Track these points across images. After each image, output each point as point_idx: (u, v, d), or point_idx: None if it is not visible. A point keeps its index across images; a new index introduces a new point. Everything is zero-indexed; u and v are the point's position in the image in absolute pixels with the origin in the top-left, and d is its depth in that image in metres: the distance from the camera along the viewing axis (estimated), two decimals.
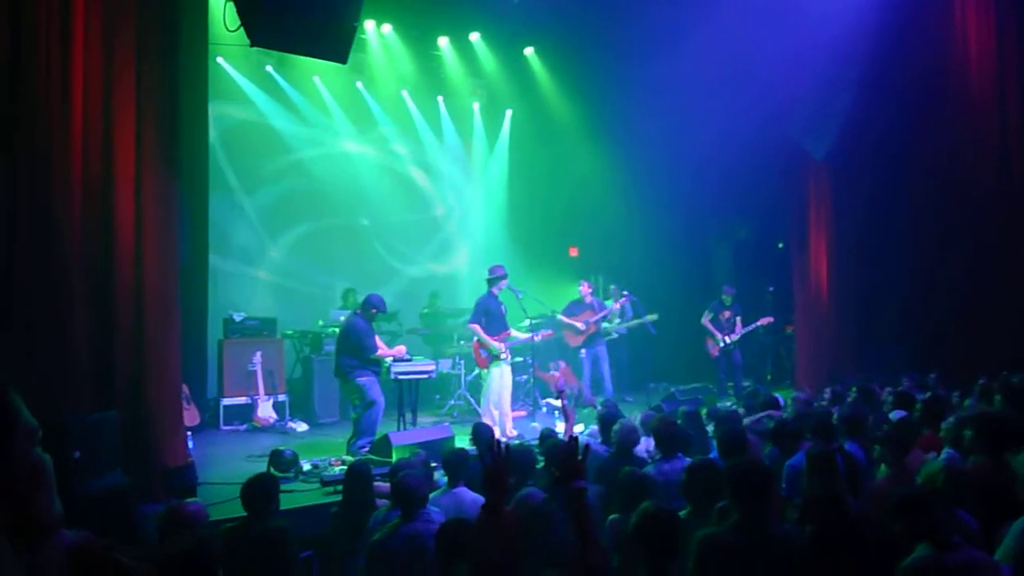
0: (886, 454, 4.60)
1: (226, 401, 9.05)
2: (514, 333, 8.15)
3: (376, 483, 5.30)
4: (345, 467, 6.29)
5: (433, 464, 5.25)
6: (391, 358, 7.52)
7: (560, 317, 10.05)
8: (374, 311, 7.35)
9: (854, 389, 7.01)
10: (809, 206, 10.49)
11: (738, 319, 10.35)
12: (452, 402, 9.76)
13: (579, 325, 10.05)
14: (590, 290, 10.37)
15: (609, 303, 10.31)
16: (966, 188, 9.61)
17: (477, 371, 9.39)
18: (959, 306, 9.42)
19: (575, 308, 10.27)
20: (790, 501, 4.07)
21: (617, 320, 10.62)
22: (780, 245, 12.20)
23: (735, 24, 9.66)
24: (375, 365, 7.32)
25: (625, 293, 10.44)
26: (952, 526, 2.95)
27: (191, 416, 7.88)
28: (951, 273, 9.61)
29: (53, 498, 1.82)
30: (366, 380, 7.14)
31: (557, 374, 9.77)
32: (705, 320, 10.43)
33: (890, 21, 9.27)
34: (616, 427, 5.26)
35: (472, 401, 9.43)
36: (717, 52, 10.18)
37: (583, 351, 10.10)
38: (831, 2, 9.15)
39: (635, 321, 10.33)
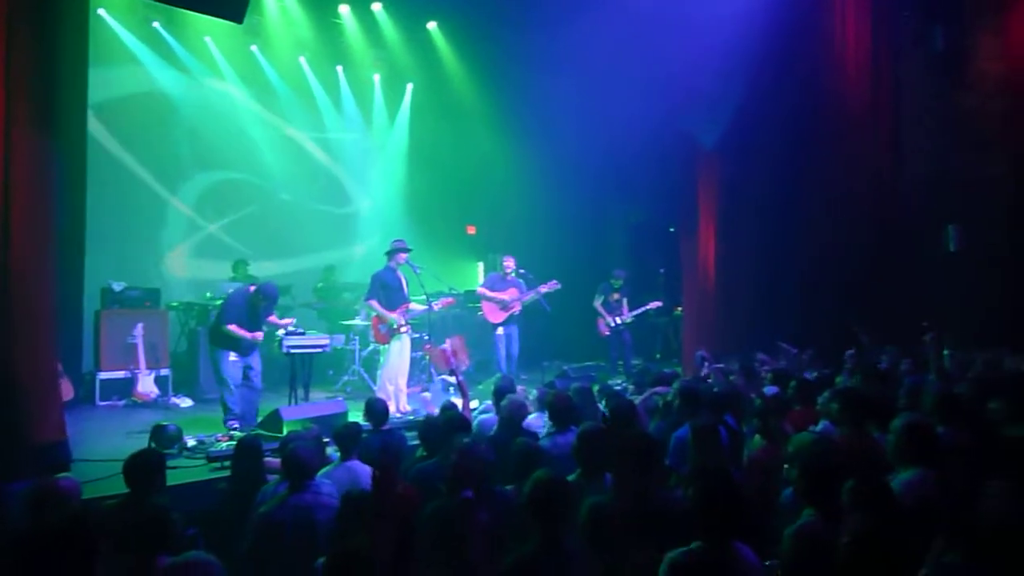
0: (760, 426, 4.89)
1: (103, 375, 8.61)
2: (413, 306, 8.10)
3: (266, 459, 5.20)
4: (232, 443, 6.14)
5: (326, 440, 5.19)
6: (282, 331, 7.36)
7: (481, 290, 9.76)
8: (262, 298, 7.17)
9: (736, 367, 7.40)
10: (698, 193, 10.89)
11: (624, 300, 10.66)
12: (346, 378, 9.62)
13: (504, 298, 9.54)
14: (514, 266, 9.75)
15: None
16: (845, 182, 10.27)
17: (372, 347, 9.30)
18: (837, 290, 10.09)
19: (497, 283, 9.72)
20: (675, 471, 4.26)
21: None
22: (672, 229, 12.62)
23: (636, 13, 9.89)
24: (238, 340, 7.13)
25: (521, 271, 10.50)
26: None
27: (64, 390, 7.42)
28: (830, 260, 10.27)
29: None
30: (220, 353, 7.07)
31: (448, 349, 9.48)
32: (596, 303, 10.68)
33: (779, 23, 9.74)
34: (504, 402, 5.35)
35: (367, 377, 9.32)
36: (621, 39, 10.39)
37: (501, 329, 9.58)
38: (728, 3, 9.50)
39: (531, 296, 10.04)
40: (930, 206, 10.30)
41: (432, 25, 12.03)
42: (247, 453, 4.64)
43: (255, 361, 7.26)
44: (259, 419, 6.83)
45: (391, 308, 7.85)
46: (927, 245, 10.24)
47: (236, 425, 6.84)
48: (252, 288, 7.29)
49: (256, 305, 7.16)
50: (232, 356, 7.10)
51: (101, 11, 9.49)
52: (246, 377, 7.19)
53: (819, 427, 4.93)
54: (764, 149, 10.44)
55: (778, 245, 10.61)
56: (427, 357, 9.43)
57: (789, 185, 10.53)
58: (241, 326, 7.06)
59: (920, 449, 3.54)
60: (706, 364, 7.66)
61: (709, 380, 7.09)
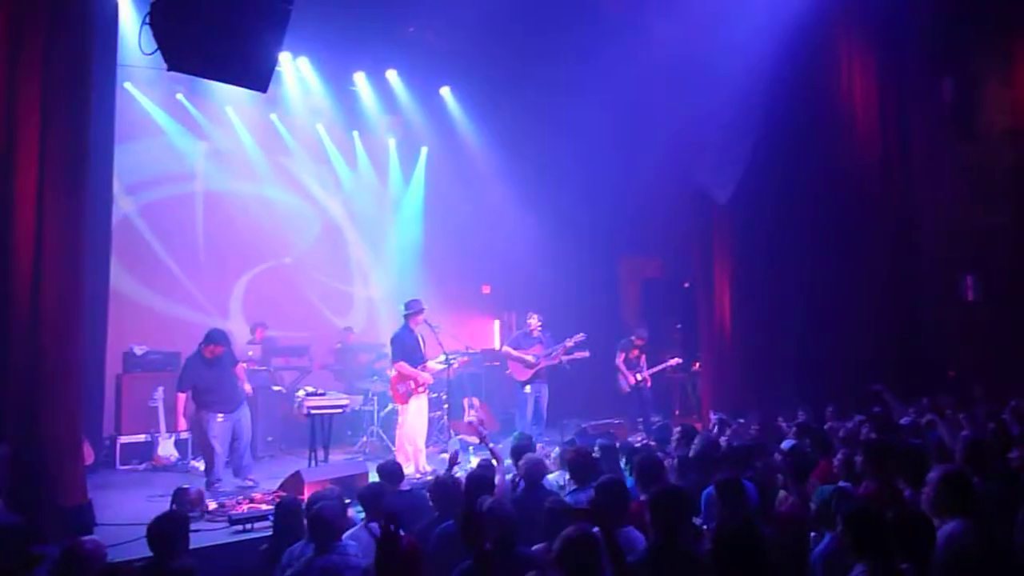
0: (786, 481, 4.82)
1: (123, 439, 8.62)
2: (431, 365, 8.12)
3: None
4: (254, 506, 6.12)
5: (347, 500, 5.16)
6: (302, 392, 7.41)
7: (507, 349, 9.73)
8: (212, 347, 7.32)
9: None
10: (713, 247, 10.95)
11: (643, 356, 10.65)
12: (364, 438, 9.58)
13: (529, 358, 9.49)
14: (540, 324, 9.70)
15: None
16: (859, 235, 10.30)
17: (390, 407, 9.28)
18: (857, 343, 10.02)
19: (524, 341, 9.65)
20: (703, 530, 4.20)
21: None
22: (686, 285, 12.66)
23: (648, 73, 10.14)
24: (220, 401, 7.30)
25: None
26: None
27: (85, 454, 7.44)
28: (847, 313, 10.23)
29: None
30: (203, 414, 7.23)
31: (475, 421, 9.37)
32: (618, 360, 10.67)
33: (785, 76, 9.92)
34: (521, 461, 5.31)
35: (385, 438, 9.28)
36: (630, 97, 10.63)
37: (528, 387, 9.48)
38: (734, 58, 9.72)
39: (574, 353, 9.67)
40: (944, 257, 10.32)
41: (445, 90, 12.34)
42: (287, 513, 4.61)
43: (244, 417, 7.43)
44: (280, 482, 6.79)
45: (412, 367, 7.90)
46: (944, 295, 10.22)
47: (220, 487, 7.04)
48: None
49: (214, 354, 7.29)
50: (219, 417, 7.22)
51: (127, 84, 9.81)
52: (235, 437, 7.32)
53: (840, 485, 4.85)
54: (777, 204, 10.51)
55: (794, 299, 10.59)
56: (445, 418, 9.41)
57: (803, 239, 10.56)
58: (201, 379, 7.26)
59: (957, 499, 3.49)
60: (723, 426, 7.56)
61: (721, 441, 7.01)
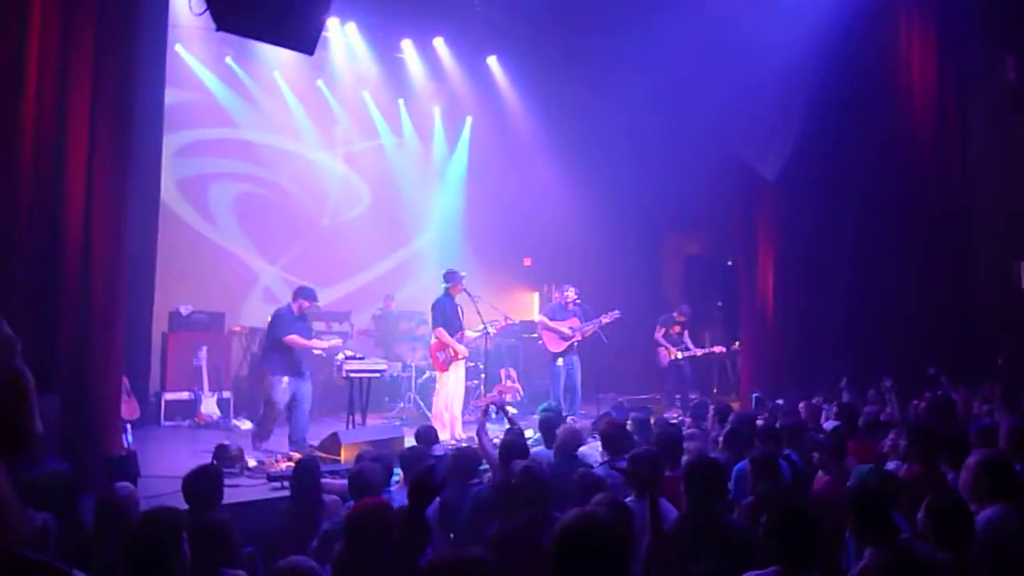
0: (823, 460, 4.75)
1: (168, 396, 8.85)
2: (468, 334, 8.16)
3: (324, 480, 5.26)
4: (290, 463, 6.24)
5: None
6: (342, 356, 7.48)
7: (542, 319, 9.61)
8: (302, 300, 7.30)
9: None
10: (758, 225, 10.76)
11: (686, 333, 10.55)
12: (401, 404, 9.69)
13: (565, 330, 9.34)
14: (576, 296, 9.51)
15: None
16: (909, 218, 10.00)
17: (427, 375, 9.36)
18: (900, 326, 9.80)
19: (559, 312, 9.47)
20: (737, 503, 4.17)
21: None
22: (729, 263, 12.48)
23: (696, 44, 9.89)
24: (293, 365, 7.21)
25: (579, 302, 10.44)
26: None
27: (130, 409, 7.66)
28: (893, 296, 9.98)
29: (35, 411, 1.78)
30: (274, 379, 7.11)
31: (495, 394, 9.21)
32: (658, 335, 10.57)
33: (839, 49, 9.62)
34: (559, 430, 5.32)
35: (422, 404, 9.37)
36: (678, 70, 10.41)
37: (560, 360, 9.33)
38: (785, 29, 9.45)
39: (592, 327, 9.47)
40: (1000, 240, 9.98)
41: (492, 59, 12.25)
42: (305, 473, 4.69)
43: (307, 387, 7.33)
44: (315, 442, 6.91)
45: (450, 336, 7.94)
46: (998, 280, 9.91)
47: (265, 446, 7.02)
48: (290, 302, 7.45)
49: (302, 310, 7.31)
50: (284, 382, 7.14)
51: (178, 46, 9.93)
52: (295, 400, 7.24)
53: (890, 465, 4.78)
54: (826, 182, 10.27)
55: (839, 279, 10.38)
56: (482, 388, 9.44)
57: (851, 219, 10.32)
58: (300, 335, 7.20)
59: (998, 485, 3.40)
60: (760, 405, 7.48)
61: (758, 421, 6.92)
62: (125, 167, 5.95)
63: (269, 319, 7.59)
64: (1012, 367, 9.23)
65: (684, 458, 4.46)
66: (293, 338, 7.19)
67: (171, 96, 9.29)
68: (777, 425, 5.71)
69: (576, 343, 9.43)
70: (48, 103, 5.46)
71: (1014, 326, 9.66)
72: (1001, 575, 2.58)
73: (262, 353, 7.34)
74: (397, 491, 4.68)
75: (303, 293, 7.38)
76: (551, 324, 9.43)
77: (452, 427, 7.88)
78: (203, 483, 4.09)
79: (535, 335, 10.82)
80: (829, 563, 3.23)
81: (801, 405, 7.20)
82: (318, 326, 10.28)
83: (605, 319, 9.36)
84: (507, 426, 5.90)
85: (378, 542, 3.21)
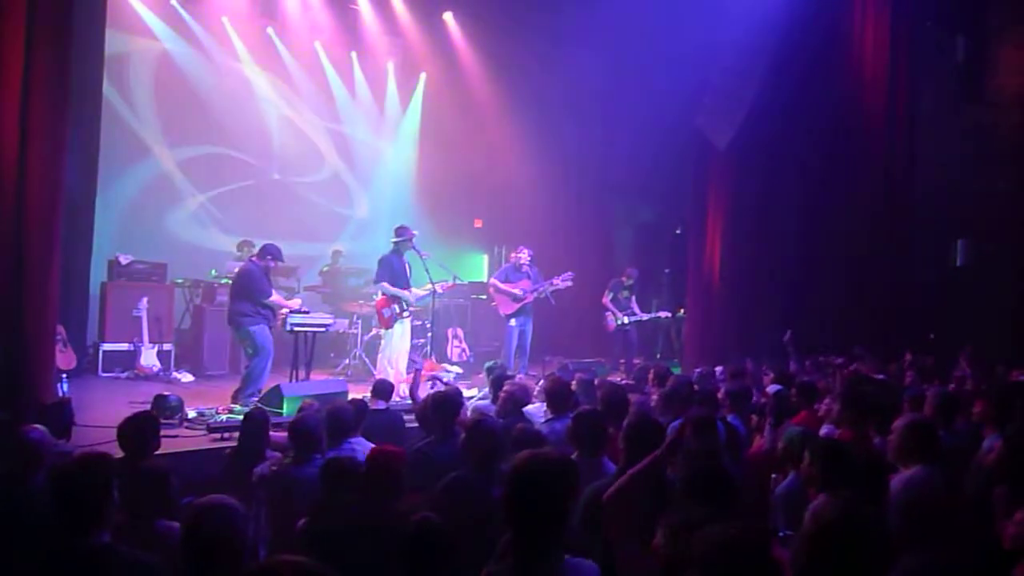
0: (761, 423, 4.89)
1: (106, 347, 8.63)
2: (416, 291, 8.13)
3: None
4: (232, 415, 6.18)
5: None
6: (286, 310, 7.39)
7: (493, 281, 9.60)
8: (270, 259, 7.23)
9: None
10: (708, 194, 10.89)
11: (633, 298, 10.67)
12: (347, 361, 9.63)
13: (517, 292, 9.29)
14: (529, 258, 9.48)
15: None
16: (855, 190, 10.26)
17: (373, 332, 9.31)
18: (842, 296, 10.10)
19: (512, 274, 9.43)
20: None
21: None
22: (678, 231, 12.62)
23: (651, 10, 9.89)
24: (268, 313, 7.19)
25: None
26: None
27: (67, 359, 7.45)
28: (836, 266, 10.29)
29: None
30: (257, 328, 7.04)
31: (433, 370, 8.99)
32: (606, 299, 10.66)
33: (793, 22, 9.71)
34: (507, 384, 5.37)
35: (367, 361, 9.32)
36: (631, 36, 10.40)
37: (513, 321, 9.31)
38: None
39: (544, 289, 9.52)
40: (940, 218, 10.29)
41: (448, 15, 12.03)
42: (253, 425, 4.67)
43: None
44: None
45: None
46: (935, 257, 10.24)
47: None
48: (255, 257, 7.35)
49: (268, 269, 7.25)
50: (265, 329, 7.15)
51: None
52: (264, 350, 7.17)
53: (823, 429, 4.93)
54: (775, 152, 10.44)
55: (784, 249, 10.62)
56: (428, 347, 9.44)
57: (799, 189, 10.54)
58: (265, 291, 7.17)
59: (920, 447, 3.55)
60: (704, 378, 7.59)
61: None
62: (62, 105, 5.73)
63: (236, 274, 7.52)
64: (943, 342, 9.60)
65: None
66: (274, 299, 7.23)
67: (114, 40, 8.92)
68: (720, 390, 5.84)
69: (528, 305, 9.47)
70: None
71: (948, 302, 10.02)
72: (917, 529, 2.71)
73: (235, 308, 7.18)
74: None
75: (271, 251, 7.28)
76: (502, 286, 9.42)
77: (396, 383, 7.86)
78: (137, 429, 4.03)
79: (484, 296, 10.84)
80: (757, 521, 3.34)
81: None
82: None
83: (557, 281, 9.40)
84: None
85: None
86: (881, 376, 7.22)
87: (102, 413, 6.28)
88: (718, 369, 8.03)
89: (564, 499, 2.32)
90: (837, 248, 10.34)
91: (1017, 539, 2.40)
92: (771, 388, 6.07)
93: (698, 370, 7.70)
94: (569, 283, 9.41)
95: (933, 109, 10.41)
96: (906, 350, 8.34)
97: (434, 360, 9.41)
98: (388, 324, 7.96)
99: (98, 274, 8.86)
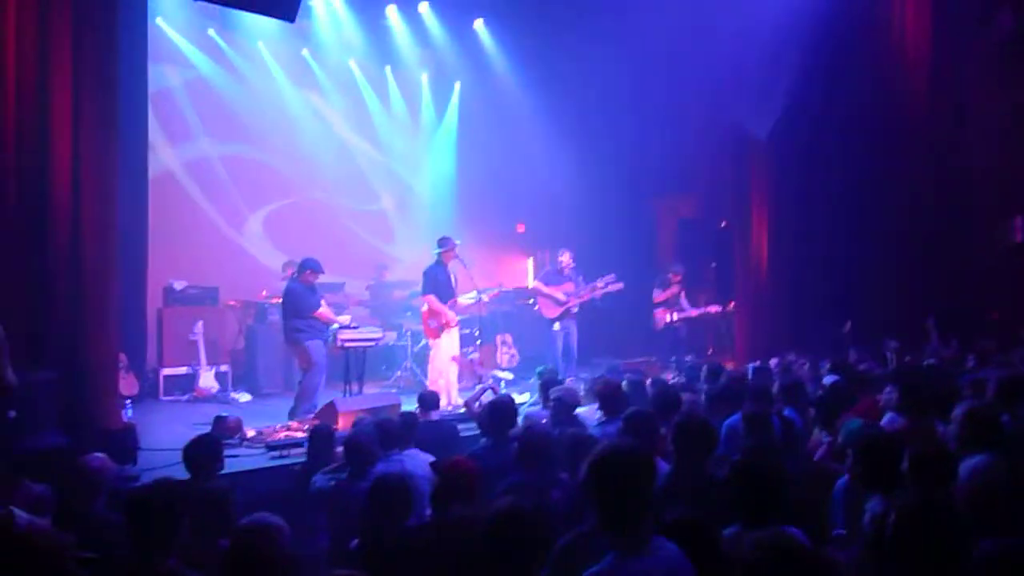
0: (819, 416, 4.80)
1: (166, 371, 8.87)
2: (461, 300, 8.20)
3: None
4: (290, 433, 6.30)
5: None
6: (337, 326, 7.51)
7: (537, 284, 9.58)
8: (309, 273, 7.39)
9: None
10: (751, 185, 10.74)
11: (682, 294, 10.58)
12: (399, 373, 9.74)
13: (560, 296, 9.30)
14: (571, 261, 9.44)
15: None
16: (903, 173, 9.99)
17: (424, 342, 9.38)
18: (895, 283, 9.87)
19: (555, 278, 9.42)
20: (727, 459, 4.21)
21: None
22: (723, 224, 12.45)
23: (682, 4, 9.80)
24: (322, 327, 7.37)
25: (573, 267, 10.42)
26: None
27: (129, 385, 7.72)
28: (887, 253, 10.03)
29: (7, 363, 1.82)
30: (312, 343, 7.24)
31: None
32: (658, 297, 10.61)
33: (829, 4, 9.52)
34: (555, 390, 5.38)
35: (419, 372, 9.42)
36: (665, 30, 10.31)
37: (557, 325, 9.29)
38: None
39: (589, 293, 9.45)
40: (992, 197, 9.97)
41: (479, 22, 12.09)
42: (320, 438, 4.83)
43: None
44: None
45: (442, 303, 7.96)
46: (991, 237, 9.92)
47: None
48: (294, 274, 7.55)
49: (311, 282, 7.42)
50: (319, 344, 7.37)
51: (159, 20, 9.79)
52: (318, 365, 7.39)
53: (884, 419, 4.82)
54: (818, 139, 10.24)
55: (833, 238, 10.40)
56: (476, 356, 9.47)
57: (844, 176, 10.31)
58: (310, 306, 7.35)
59: (983, 434, 3.45)
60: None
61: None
62: (111, 139, 5.92)
63: (282, 296, 7.73)
64: (1005, 322, 9.29)
65: None
66: (321, 312, 7.43)
67: (155, 70, 9.18)
68: (774, 384, 5.75)
69: (572, 309, 9.43)
70: (29, 79, 5.42)
71: (1007, 281, 9.70)
72: (983, 518, 2.63)
73: (288, 326, 7.40)
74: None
75: (309, 265, 7.46)
76: (546, 290, 9.42)
77: (448, 393, 7.92)
78: (202, 452, 4.15)
79: (530, 301, 10.84)
80: (816, 522, 3.28)
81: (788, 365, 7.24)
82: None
83: (601, 285, 9.35)
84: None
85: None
86: (932, 360, 7.04)
87: (166, 436, 6.46)
88: (772, 362, 7.93)
89: (646, 480, 2.44)
90: (888, 235, 10.06)
91: None
92: (827, 379, 5.96)
93: (751, 365, 7.61)
94: (615, 285, 9.36)
95: (980, 87, 10.08)
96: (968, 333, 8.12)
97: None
98: (435, 335, 8.03)
99: (154, 301, 9.12)
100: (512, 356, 10.55)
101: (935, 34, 9.89)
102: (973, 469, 3.29)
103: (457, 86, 12.87)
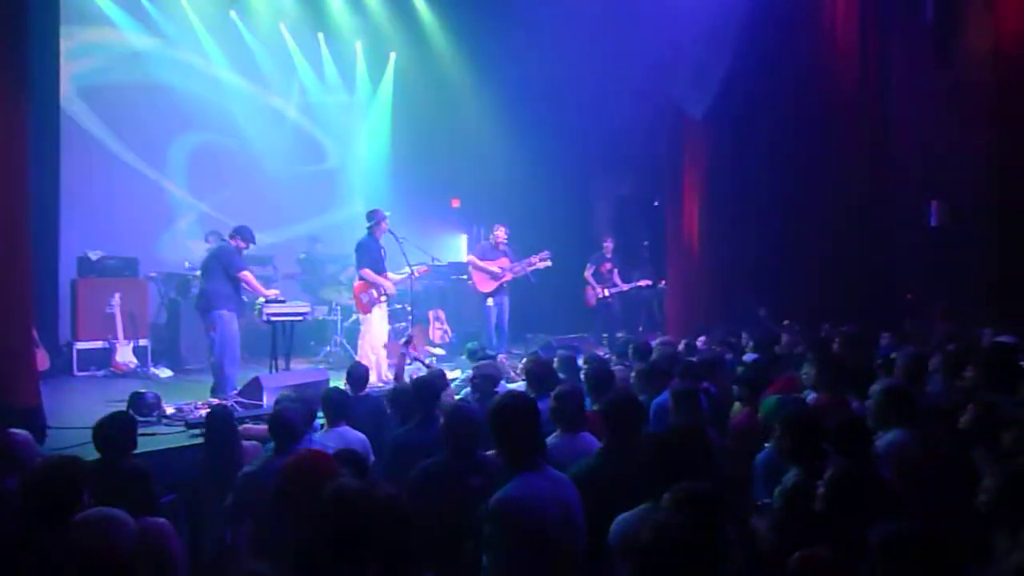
0: (741, 393, 4.90)
1: (80, 345, 8.50)
2: (392, 276, 8.07)
3: (246, 425, 5.18)
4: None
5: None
6: (263, 300, 7.29)
7: (471, 259, 9.58)
8: (240, 239, 7.15)
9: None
10: (685, 164, 10.85)
11: (615, 270, 10.67)
12: (328, 348, 9.56)
13: (495, 269, 9.33)
14: (506, 236, 9.53)
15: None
16: (831, 155, 10.27)
17: (354, 318, 9.23)
18: (820, 262, 10.17)
19: (489, 252, 9.49)
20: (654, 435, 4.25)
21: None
22: (656, 203, 12.58)
23: None
24: (241, 300, 7.09)
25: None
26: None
27: (39, 360, 7.33)
28: (813, 233, 10.33)
29: None
30: (227, 313, 6.91)
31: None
32: (587, 273, 10.68)
33: None
34: (474, 367, 5.38)
35: (348, 348, 9.26)
36: (604, 8, 10.29)
37: (491, 300, 9.36)
38: None
39: (522, 268, 9.53)
40: (915, 180, 10.31)
41: None
42: (219, 421, 4.60)
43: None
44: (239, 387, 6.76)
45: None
46: (911, 220, 10.28)
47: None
48: (228, 239, 7.25)
49: (240, 251, 7.15)
50: (235, 318, 6.99)
51: None
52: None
53: (805, 395, 4.94)
54: (751, 121, 10.41)
55: (763, 218, 10.62)
56: (409, 329, 9.36)
57: (775, 158, 10.52)
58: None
59: (897, 411, 3.56)
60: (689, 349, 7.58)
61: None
62: (20, 102, 5.54)
63: (209, 253, 7.40)
64: (919, 302, 9.69)
65: None
66: (247, 274, 7.08)
67: (72, 31, 8.70)
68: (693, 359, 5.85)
69: (506, 283, 9.41)
70: None
71: (925, 263, 10.08)
72: (902, 490, 2.72)
73: (208, 288, 7.01)
74: (321, 435, 4.62)
75: (242, 233, 7.19)
76: (480, 264, 9.41)
77: (379, 368, 7.82)
78: (114, 430, 3.96)
79: (464, 276, 10.77)
80: (740, 493, 3.34)
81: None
82: None
83: (535, 260, 9.37)
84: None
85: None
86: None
87: (78, 414, 6.18)
88: (700, 340, 8.06)
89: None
90: (815, 213, 10.37)
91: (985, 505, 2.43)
92: (748, 357, 6.09)
93: (682, 341, 7.71)
94: (548, 263, 9.41)
95: (905, 71, 10.39)
96: (883, 313, 8.43)
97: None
98: (367, 309, 7.90)
99: (68, 271, 8.70)
100: (445, 332, 10.48)
101: (862, 18, 10.17)
102: (888, 444, 3.41)
103: (392, 57, 12.58)
